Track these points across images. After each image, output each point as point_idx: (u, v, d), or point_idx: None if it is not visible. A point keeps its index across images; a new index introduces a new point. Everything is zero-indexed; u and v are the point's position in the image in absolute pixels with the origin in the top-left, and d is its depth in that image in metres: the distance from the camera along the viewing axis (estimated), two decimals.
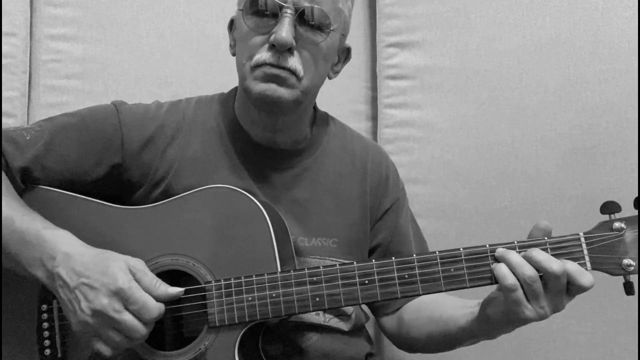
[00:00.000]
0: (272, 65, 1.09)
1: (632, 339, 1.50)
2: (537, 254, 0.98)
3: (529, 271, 0.97)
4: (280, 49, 1.08)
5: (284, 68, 1.09)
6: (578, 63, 1.57)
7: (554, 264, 0.97)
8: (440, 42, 1.66)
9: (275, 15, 1.09)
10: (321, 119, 1.30)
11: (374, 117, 1.76)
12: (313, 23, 1.10)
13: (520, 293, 0.98)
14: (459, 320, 1.13)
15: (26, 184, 1.15)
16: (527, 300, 0.98)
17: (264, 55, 1.09)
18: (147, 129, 1.19)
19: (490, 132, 1.62)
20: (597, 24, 1.56)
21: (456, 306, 1.17)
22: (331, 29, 1.12)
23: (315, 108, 1.30)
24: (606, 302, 1.48)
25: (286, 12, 1.08)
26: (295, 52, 1.10)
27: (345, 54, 1.24)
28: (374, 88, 1.76)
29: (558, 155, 1.57)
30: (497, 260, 1.01)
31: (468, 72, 1.64)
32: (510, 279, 0.98)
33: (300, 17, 1.09)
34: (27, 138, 1.14)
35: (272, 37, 1.08)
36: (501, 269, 0.99)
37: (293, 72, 1.10)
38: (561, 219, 1.55)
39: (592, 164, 1.55)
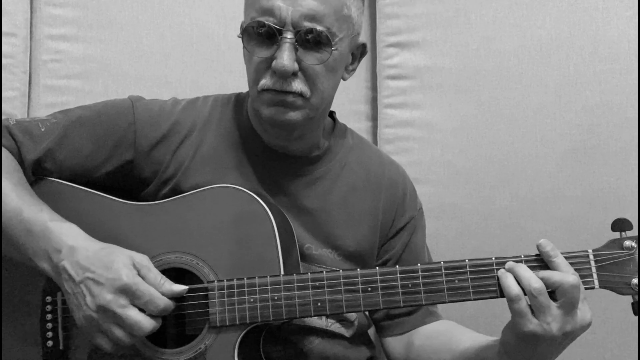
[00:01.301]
0: (276, 91, 1.08)
1: (632, 339, 1.50)
2: (552, 274, 0.97)
3: (535, 283, 0.96)
4: (283, 77, 1.07)
5: (288, 92, 1.08)
6: (578, 63, 1.57)
7: (570, 277, 0.96)
8: (440, 42, 1.66)
9: (275, 39, 1.07)
10: (339, 131, 1.29)
11: (374, 117, 1.75)
12: (315, 43, 1.07)
13: (523, 304, 0.97)
14: (479, 353, 1.10)
15: (36, 175, 1.15)
16: (532, 313, 0.97)
17: (267, 81, 1.08)
18: (161, 126, 1.19)
19: (490, 132, 1.62)
20: (597, 24, 1.56)
21: (474, 337, 1.15)
22: (336, 41, 1.09)
23: (334, 119, 1.29)
24: (606, 302, 1.47)
25: (285, 38, 1.05)
26: (300, 74, 1.08)
27: (360, 49, 1.21)
28: (374, 88, 1.75)
29: (558, 155, 1.57)
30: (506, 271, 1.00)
31: (468, 72, 1.64)
32: (514, 290, 0.97)
33: (301, 39, 1.06)
34: (42, 130, 1.15)
35: (273, 63, 1.06)
36: (507, 279, 0.98)
37: (299, 94, 1.08)
38: (561, 219, 1.55)
39: (592, 164, 1.55)
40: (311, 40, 1.06)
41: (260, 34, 1.07)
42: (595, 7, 1.56)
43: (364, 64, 1.75)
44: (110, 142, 1.17)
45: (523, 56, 1.60)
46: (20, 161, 1.13)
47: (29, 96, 1.67)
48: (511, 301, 0.97)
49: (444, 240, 1.60)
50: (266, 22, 1.06)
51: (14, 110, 1.63)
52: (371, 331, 1.34)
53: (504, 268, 1.00)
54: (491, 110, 1.62)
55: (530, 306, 0.97)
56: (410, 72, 1.68)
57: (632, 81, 1.53)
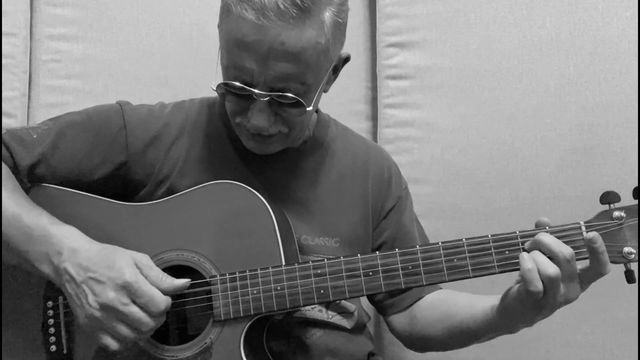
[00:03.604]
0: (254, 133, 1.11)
1: (632, 339, 1.50)
2: (545, 237, 0.99)
3: (566, 250, 0.98)
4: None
5: (268, 136, 1.11)
6: (578, 63, 1.57)
7: (564, 248, 0.98)
8: (440, 42, 1.66)
9: (250, 97, 1.07)
10: (323, 121, 1.31)
11: (374, 117, 1.76)
12: (289, 103, 1.07)
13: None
14: (478, 314, 1.12)
15: (30, 182, 1.15)
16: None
17: (244, 121, 1.10)
18: (151, 128, 1.20)
19: (490, 132, 1.62)
20: (597, 24, 1.56)
21: (473, 301, 1.16)
22: (314, 87, 1.09)
23: (317, 111, 1.31)
24: (606, 302, 1.48)
25: (260, 100, 1.06)
26: (278, 117, 1.09)
27: (342, 62, 1.19)
28: (374, 88, 1.76)
29: (558, 155, 1.57)
30: (529, 249, 1.01)
31: (468, 72, 1.64)
32: (552, 267, 0.97)
33: (274, 99, 1.06)
34: (34, 137, 1.15)
35: (248, 122, 1.09)
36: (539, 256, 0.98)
37: (278, 133, 1.11)
38: (561, 219, 1.53)
39: (592, 164, 1.56)
40: (284, 101, 1.07)
41: (234, 92, 1.08)
42: (595, 7, 1.56)
43: (364, 64, 1.76)
44: (102, 145, 1.17)
45: (523, 56, 1.60)
46: (15, 168, 1.13)
47: (29, 96, 1.67)
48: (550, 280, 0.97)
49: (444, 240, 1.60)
50: (239, 84, 1.05)
51: (14, 110, 1.63)
52: (371, 327, 1.35)
53: (524, 250, 1.01)
54: (491, 110, 1.62)
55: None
56: (410, 72, 1.68)
57: (632, 81, 1.53)
